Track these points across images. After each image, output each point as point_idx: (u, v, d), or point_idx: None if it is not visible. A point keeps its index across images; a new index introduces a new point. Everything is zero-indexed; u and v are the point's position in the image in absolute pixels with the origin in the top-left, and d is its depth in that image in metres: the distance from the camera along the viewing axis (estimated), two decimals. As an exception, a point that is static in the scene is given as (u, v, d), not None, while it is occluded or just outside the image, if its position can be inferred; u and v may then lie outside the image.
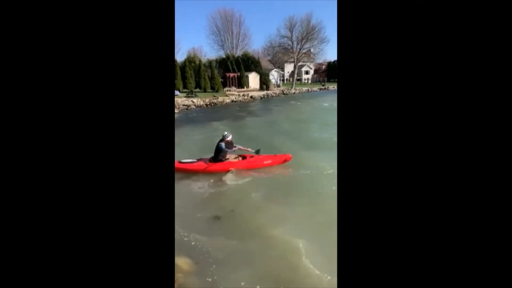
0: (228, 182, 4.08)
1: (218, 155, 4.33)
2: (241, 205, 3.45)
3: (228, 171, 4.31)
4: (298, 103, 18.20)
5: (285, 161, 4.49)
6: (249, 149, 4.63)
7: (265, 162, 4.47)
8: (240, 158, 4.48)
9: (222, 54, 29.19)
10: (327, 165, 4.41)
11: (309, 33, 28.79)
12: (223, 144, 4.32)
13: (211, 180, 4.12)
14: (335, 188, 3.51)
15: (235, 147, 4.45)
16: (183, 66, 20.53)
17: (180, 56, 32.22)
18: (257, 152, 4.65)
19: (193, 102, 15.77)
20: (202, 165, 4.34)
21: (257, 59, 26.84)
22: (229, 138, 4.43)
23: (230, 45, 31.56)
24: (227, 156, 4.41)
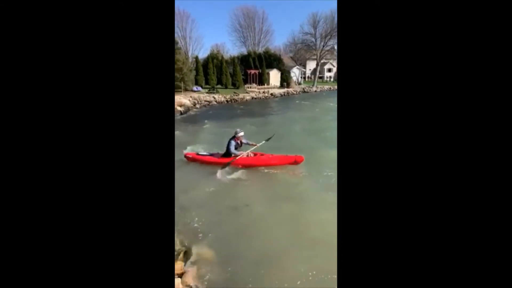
0: (240, 177, 4.25)
1: (229, 150, 4.57)
2: (255, 200, 3.57)
3: (238, 166, 4.50)
4: (318, 102, 17.77)
5: (295, 162, 4.43)
6: (257, 144, 4.74)
7: (274, 161, 4.50)
8: (252, 155, 4.61)
9: (244, 51, 29.33)
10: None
11: (333, 30, 27.91)
12: (233, 141, 4.56)
13: (225, 175, 4.32)
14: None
15: (245, 143, 4.68)
16: (206, 62, 20.95)
17: (203, 53, 32.80)
18: (268, 139, 4.96)
19: (214, 98, 16.09)
20: (215, 159, 4.66)
21: (278, 56, 26.61)
22: (240, 134, 4.63)
23: (252, 41, 31.58)
24: (238, 153, 4.59)
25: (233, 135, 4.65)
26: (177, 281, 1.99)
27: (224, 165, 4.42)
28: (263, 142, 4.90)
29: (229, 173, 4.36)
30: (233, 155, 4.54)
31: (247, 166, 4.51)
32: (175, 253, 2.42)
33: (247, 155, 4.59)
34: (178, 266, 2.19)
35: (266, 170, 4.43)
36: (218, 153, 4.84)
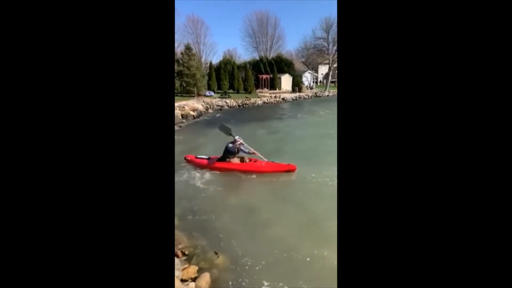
0: (238, 181, 4.32)
1: (225, 155, 4.68)
2: (259, 203, 3.60)
3: (229, 171, 4.58)
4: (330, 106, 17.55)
5: (288, 171, 4.44)
6: (256, 153, 4.77)
7: (266, 168, 4.51)
8: (247, 160, 4.69)
9: (256, 56, 29.63)
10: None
11: (347, 34, 27.56)
12: (230, 146, 4.65)
13: (222, 179, 4.40)
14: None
15: (242, 150, 4.73)
16: (219, 67, 21.33)
17: (216, 58, 33.42)
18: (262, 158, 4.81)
19: (226, 103, 16.31)
20: (209, 162, 4.81)
21: (290, 61, 26.65)
22: (237, 139, 4.71)
23: (264, 46, 31.86)
24: (233, 158, 4.70)
25: (231, 140, 4.76)
26: (191, 284, 2.03)
27: (220, 168, 4.58)
28: (264, 159, 4.77)
29: (226, 177, 4.45)
30: (227, 160, 4.65)
31: (238, 171, 4.57)
32: (188, 257, 2.47)
33: (243, 160, 4.67)
34: (192, 270, 2.24)
35: (261, 176, 4.46)
36: (213, 157, 4.95)
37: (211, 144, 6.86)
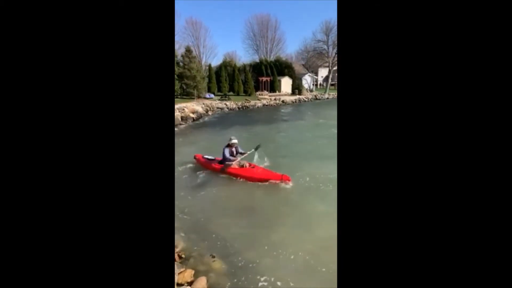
0: (235, 185, 4.30)
1: (223, 158, 4.71)
2: (258, 207, 3.58)
3: (228, 175, 4.60)
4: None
5: (282, 181, 4.40)
6: (247, 152, 4.83)
7: (262, 176, 4.50)
8: (247, 165, 4.69)
9: (256, 58, 29.72)
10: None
11: (346, 37, 27.67)
12: (227, 149, 4.68)
13: (219, 182, 4.41)
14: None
15: (238, 152, 4.78)
16: (219, 70, 21.39)
17: (216, 61, 33.55)
18: (256, 148, 4.97)
19: (226, 105, 16.32)
20: (212, 164, 4.93)
21: (289, 63, 26.72)
22: (234, 142, 4.74)
23: (264, 49, 31.96)
24: (232, 158, 4.70)
25: (227, 143, 4.76)
26: (187, 289, 1.99)
27: (220, 171, 4.65)
28: (252, 150, 4.95)
29: (223, 181, 4.45)
30: (226, 162, 4.66)
31: (236, 176, 4.55)
32: (184, 260, 2.43)
33: (242, 165, 4.66)
34: (188, 273, 2.20)
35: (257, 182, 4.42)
36: (217, 159, 5.02)
37: (208, 145, 6.86)
